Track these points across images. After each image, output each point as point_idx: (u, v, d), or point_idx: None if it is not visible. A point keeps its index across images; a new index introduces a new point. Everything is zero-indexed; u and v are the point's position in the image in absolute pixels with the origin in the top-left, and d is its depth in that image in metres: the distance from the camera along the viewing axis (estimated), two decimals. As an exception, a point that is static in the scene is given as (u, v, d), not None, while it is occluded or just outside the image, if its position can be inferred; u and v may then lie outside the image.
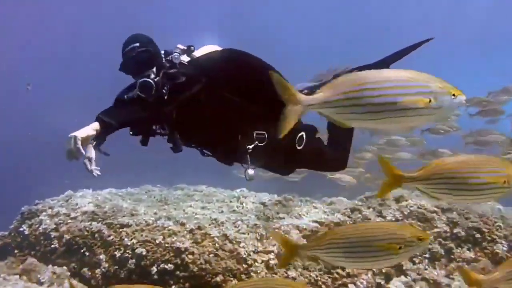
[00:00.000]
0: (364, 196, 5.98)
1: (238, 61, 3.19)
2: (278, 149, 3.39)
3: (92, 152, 2.99)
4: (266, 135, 3.26)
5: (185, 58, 3.13)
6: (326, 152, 3.74)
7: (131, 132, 3.14)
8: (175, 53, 3.07)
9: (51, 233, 5.14)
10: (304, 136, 3.44)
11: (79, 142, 2.60)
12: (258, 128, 3.26)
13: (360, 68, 3.93)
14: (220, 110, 3.11)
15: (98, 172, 2.89)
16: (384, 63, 3.90)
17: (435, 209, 5.20)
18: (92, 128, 2.74)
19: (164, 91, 2.92)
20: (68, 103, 16.08)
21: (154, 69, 3.00)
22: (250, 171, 3.26)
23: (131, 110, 2.95)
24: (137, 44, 3.04)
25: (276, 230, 5.10)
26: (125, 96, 2.98)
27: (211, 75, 3.06)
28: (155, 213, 5.49)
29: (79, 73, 21.81)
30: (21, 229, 5.43)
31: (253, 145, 3.22)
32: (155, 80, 2.94)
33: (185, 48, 3.15)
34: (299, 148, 3.44)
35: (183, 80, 2.97)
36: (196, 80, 3.01)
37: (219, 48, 3.38)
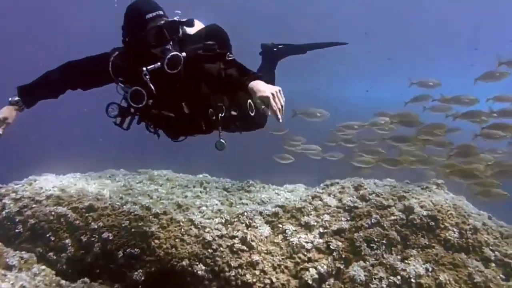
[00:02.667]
0: (325, 184, 6.17)
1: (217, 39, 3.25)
2: (235, 117, 3.56)
3: (12, 116, 3.01)
4: (223, 106, 3.38)
5: None
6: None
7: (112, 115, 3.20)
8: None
9: (15, 217, 5.09)
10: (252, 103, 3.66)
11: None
12: (218, 100, 3.39)
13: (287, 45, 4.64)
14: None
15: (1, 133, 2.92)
16: (303, 48, 4.38)
17: (392, 197, 5.44)
18: None
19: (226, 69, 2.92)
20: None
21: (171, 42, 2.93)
22: (222, 141, 3.35)
23: None
24: (162, 12, 2.92)
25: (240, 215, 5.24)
26: (146, 68, 2.90)
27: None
28: (121, 198, 5.53)
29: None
30: (-17, 213, 5.33)
31: (219, 115, 3.33)
32: (183, 55, 2.90)
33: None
34: (252, 114, 3.63)
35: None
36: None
37: (202, 25, 3.41)
